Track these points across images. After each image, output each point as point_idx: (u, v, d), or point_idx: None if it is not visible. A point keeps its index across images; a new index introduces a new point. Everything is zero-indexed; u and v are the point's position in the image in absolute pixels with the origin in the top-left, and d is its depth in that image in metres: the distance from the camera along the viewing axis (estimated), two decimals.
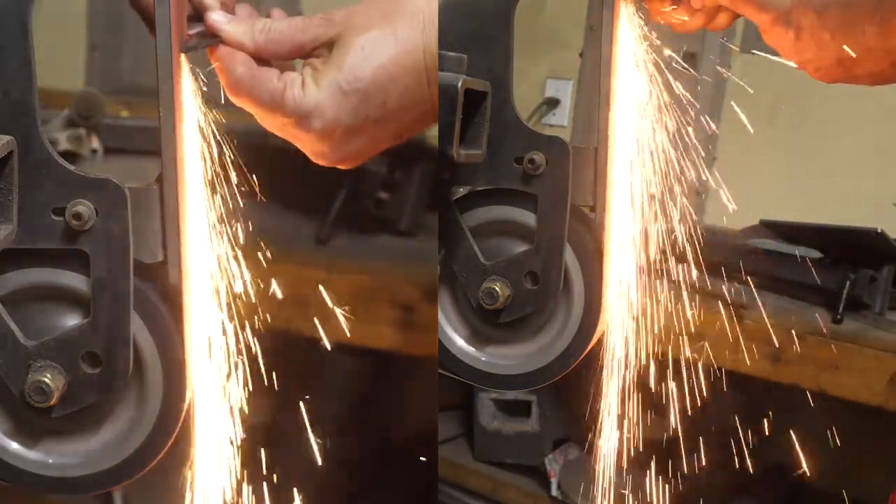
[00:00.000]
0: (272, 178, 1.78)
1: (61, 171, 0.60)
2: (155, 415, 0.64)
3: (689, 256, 1.93)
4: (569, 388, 2.18)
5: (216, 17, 0.67)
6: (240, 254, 0.74)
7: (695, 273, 1.81)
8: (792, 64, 0.72)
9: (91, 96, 1.69)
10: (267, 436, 1.84)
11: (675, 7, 0.76)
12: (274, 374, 1.92)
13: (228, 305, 0.71)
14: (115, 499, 1.71)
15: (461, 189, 0.80)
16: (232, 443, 0.74)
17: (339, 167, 0.71)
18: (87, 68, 2.16)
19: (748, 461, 2.09)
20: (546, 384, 0.85)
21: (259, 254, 1.42)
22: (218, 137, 0.69)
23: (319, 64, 0.66)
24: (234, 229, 0.73)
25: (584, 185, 0.77)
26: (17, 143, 0.59)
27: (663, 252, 2.02)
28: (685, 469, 1.99)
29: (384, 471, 1.83)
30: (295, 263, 1.40)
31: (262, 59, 0.67)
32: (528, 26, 2.37)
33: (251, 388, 0.78)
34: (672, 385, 2.28)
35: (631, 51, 0.78)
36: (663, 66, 0.81)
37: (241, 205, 0.75)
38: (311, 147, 0.69)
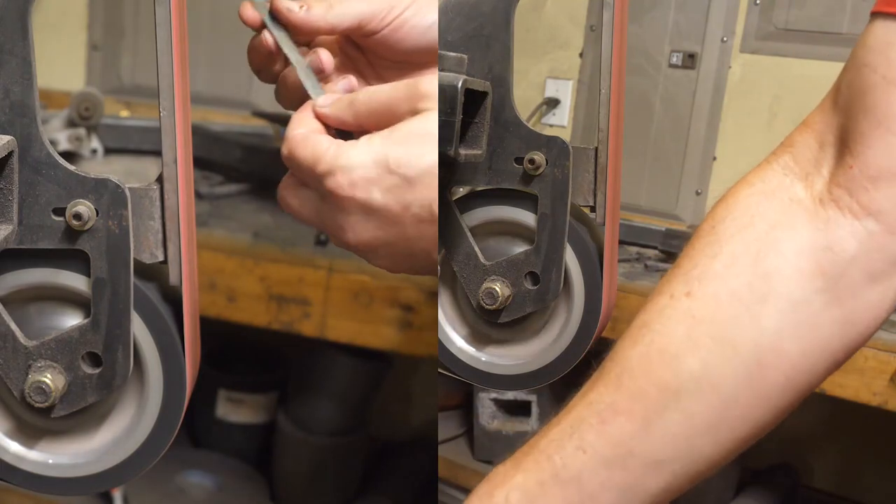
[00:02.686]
0: (273, 178, 1.77)
1: (61, 172, 0.60)
2: (155, 415, 0.64)
3: None
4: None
5: (322, 102, 0.64)
6: None
7: None
8: None
9: (91, 96, 1.69)
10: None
11: None
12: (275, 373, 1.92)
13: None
14: (115, 499, 1.71)
15: (461, 189, 0.80)
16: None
17: (367, 259, 0.65)
18: (87, 68, 2.16)
19: (748, 461, 2.09)
20: (546, 384, 0.85)
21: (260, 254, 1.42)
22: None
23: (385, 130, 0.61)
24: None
25: (584, 185, 0.77)
26: (17, 143, 0.59)
27: (663, 252, 2.03)
28: None
29: (384, 471, 1.83)
30: (295, 264, 1.41)
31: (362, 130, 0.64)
32: (528, 26, 2.37)
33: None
34: None
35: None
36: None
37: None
38: (331, 218, 0.63)
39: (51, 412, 0.62)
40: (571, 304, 0.80)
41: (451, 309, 0.84)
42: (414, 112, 0.61)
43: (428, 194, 0.60)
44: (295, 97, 0.68)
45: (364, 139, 0.61)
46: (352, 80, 0.69)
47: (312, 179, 0.62)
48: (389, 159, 0.59)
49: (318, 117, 0.64)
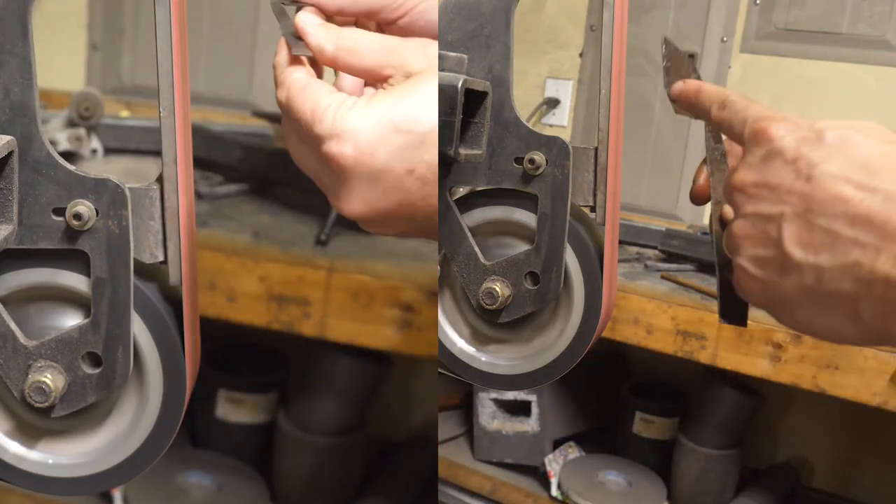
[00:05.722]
0: (273, 178, 1.79)
1: (62, 172, 0.60)
2: (155, 415, 0.64)
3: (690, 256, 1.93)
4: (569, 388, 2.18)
5: (304, 17, 0.63)
6: None
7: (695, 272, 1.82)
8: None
9: (91, 96, 1.69)
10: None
11: None
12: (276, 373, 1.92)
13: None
14: (115, 499, 1.71)
15: (461, 189, 0.80)
16: None
17: (363, 226, 0.63)
18: (87, 68, 2.16)
19: (748, 461, 2.09)
20: (546, 384, 0.85)
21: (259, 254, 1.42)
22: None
23: (382, 90, 0.60)
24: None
25: (584, 185, 0.77)
26: (17, 143, 0.59)
27: (663, 252, 2.03)
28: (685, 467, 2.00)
29: (384, 471, 1.83)
30: (295, 264, 1.41)
31: (338, 70, 0.63)
32: (528, 26, 2.37)
33: None
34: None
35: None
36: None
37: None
38: (330, 183, 0.61)
39: (51, 412, 0.62)
40: (571, 304, 0.80)
41: (451, 309, 0.84)
42: (395, 67, 0.61)
43: (434, 152, 0.58)
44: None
45: (364, 100, 0.59)
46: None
47: (309, 138, 0.60)
48: (396, 118, 0.58)
49: (299, 31, 0.63)
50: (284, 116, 0.63)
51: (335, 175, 0.60)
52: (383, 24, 0.70)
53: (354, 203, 0.60)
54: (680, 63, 0.68)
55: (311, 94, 0.60)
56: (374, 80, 0.63)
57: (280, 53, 0.65)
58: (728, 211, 0.61)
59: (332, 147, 0.58)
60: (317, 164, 0.61)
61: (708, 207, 0.67)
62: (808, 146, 0.51)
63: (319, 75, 0.66)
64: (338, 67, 0.64)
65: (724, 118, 0.59)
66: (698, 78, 0.68)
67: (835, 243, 0.49)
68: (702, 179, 0.70)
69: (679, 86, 0.65)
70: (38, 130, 0.59)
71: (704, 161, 0.68)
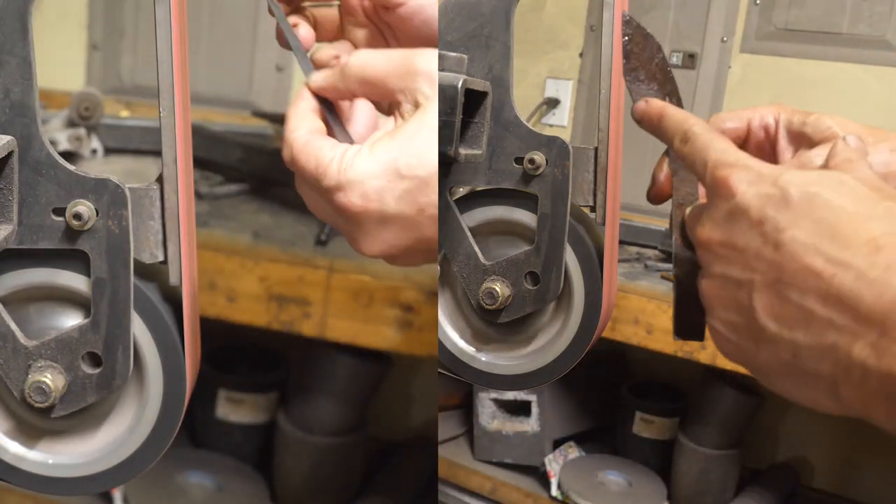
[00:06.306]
0: (273, 178, 1.79)
1: (62, 172, 0.60)
2: (155, 415, 0.64)
3: None
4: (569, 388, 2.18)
5: (312, 79, 0.64)
6: None
7: None
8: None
9: (91, 96, 1.69)
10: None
11: None
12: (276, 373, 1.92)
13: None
14: (115, 499, 1.71)
15: (461, 189, 0.80)
16: None
17: (387, 262, 0.65)
18: (87, 68, 2.16)
19: (748, 461, 2.09)
20: (546, 384, 0.85)
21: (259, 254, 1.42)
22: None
23: (386, 132, 0.61)
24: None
25: (584, 185, 0.77)
26: (17, 143, 0.59)
27: (663, 252, 2.03)
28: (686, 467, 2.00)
29: (384, 471, 1.83)
30: (295, 264, 1.41)
31: (361, 97, 0.65)
32: (528, 26, 2.37)
33: None
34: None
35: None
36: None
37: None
38: (346, 228, 0.62)
39: (51, 412, 0.62)
40: (571, 304, 0.80)
41: (451, 309, 0.84)
42: (406, 91, 0.61)
43: None
44: None
45: (367, 146, 0.60)
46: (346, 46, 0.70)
47: (319, 191, 0.61)
48: (399, 164, 0.58)
49: (314, 91, 0.64)
50: (294, 172, 0.63)
51: (349, 222, 0.61)
52: (381, 9, 0.70)
53: (372, 245, 0.62)
54: (643, 44, 0.65)
55: (312, 151, 0.61)
56: (389, 101, 0.64)
57: (290, 109, 0.64)
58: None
59: (341, 198, 0.59)
60: (332, 213, 0.62)
61: None
62: (773, 207, 0.48)
63: (340, 113, 0.67)
64: (360, 97, 0.65)
65: (686, 154, 0.56)
66: (663, 58, 0.65)
67: (809, 321, 0.46)
68: (662, 177, 0.67)
69: (642, 106, 0.63)
70: (38, 130, 0.59)
71: (666, 153, 0.66)
